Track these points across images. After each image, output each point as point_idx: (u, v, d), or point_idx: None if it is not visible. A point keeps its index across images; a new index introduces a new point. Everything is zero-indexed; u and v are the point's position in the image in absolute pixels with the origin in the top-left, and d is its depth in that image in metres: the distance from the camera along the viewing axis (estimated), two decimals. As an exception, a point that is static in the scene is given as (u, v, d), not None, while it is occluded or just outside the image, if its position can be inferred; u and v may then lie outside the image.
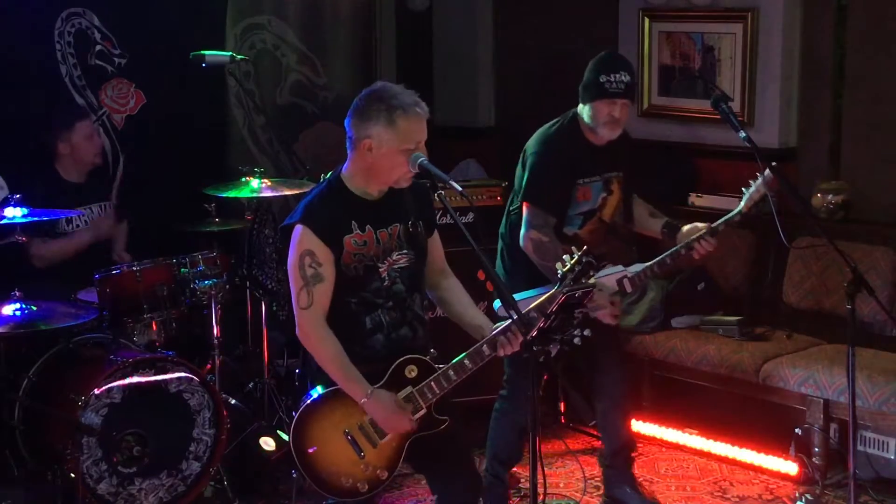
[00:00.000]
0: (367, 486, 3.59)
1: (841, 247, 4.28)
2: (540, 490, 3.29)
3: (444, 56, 7.62)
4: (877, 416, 4.94)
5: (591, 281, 3.49)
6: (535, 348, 3.25)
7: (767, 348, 5.44)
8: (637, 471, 5.01)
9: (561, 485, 5.21)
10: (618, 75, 4.46)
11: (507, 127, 7.31)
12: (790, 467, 5.18)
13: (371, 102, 3.50)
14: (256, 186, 5.33)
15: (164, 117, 5.99)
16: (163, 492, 4.72)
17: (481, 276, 5.11)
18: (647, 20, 6.49)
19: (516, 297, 4.21)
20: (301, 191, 5.39)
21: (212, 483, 4.91)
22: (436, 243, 3.76)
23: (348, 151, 3.59)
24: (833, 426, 5.13)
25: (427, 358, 3.61)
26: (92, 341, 4.92)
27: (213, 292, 5.04)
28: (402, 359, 3.58)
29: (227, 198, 5.35)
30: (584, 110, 4.56)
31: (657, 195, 5.63)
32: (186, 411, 4.76)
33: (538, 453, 3.26)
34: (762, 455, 5.29)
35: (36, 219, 4.60)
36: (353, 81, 6.48)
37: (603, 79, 4.46)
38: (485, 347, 3.53)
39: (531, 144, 4.64)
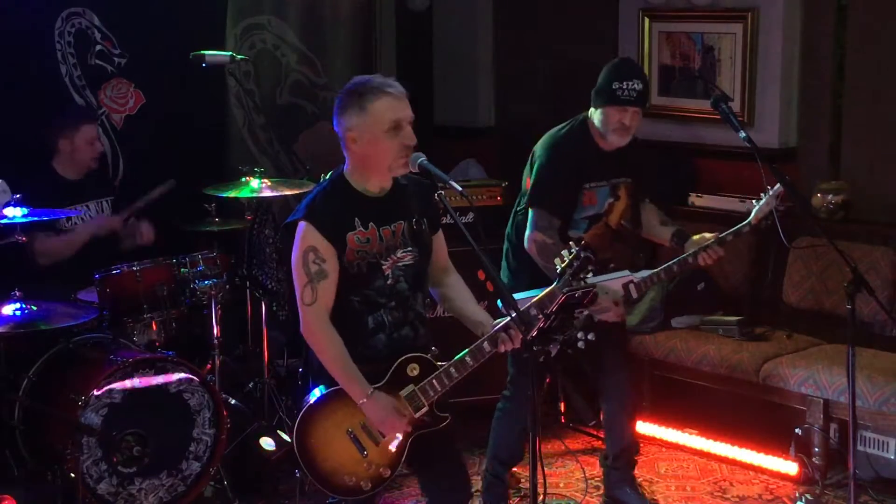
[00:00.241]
0: (370, 485, 3.60)
1: (841, 247, 4.28)
2: (540, 490, 3.29)
3: (444, 56, 7.62)
4: (877, 416, 4.94)
5: (593, 280, 3.49)
6: (535, 348, 3.25)
7: (767, 348, 5.44)
8: (637, 471, 5.01)
9: (561, 485, 5.21)
10: (631, 83, 4.46)
11: (507, 127, 7.31)
12: (790, 467, 5.18)
13: (344, 97, 3.53)
14: (256, 186, 5.33)
15: (163, 117, 5.99)
16: (163, 492, 4.72)
17: (481, 275, 5.11)
18: (647, 20, 6.49)
19: (517, 296, 4.20)
20: (301, 191, 5.40)
21: (212, 483, 4.91)
22: (440, 241, 3.76)
23: (343, 151, 3.60)
24: (833, 426, 5.13)
25: (429, 356, 3.61)
26: (92, 341, 4.93)
27: (213, 292, 5.04)
28: (403, 357, 3.58)
29: (227, 198, 5.35)
30: (594, 115, 4.56)
31: (657, 195, 5.64)
32: (186, 411, 4.76)
33: (538, 453, 3.26)
34: (762, 455, 5.29)
35: (36, 219, 4.60)
36: (354, 81, 6.47)
37: (615, 85, 4.46)
38: (486, 344, 3.54)
39: (539, 146, 4.64)
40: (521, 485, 5.09)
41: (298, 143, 6.52)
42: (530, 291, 4.39)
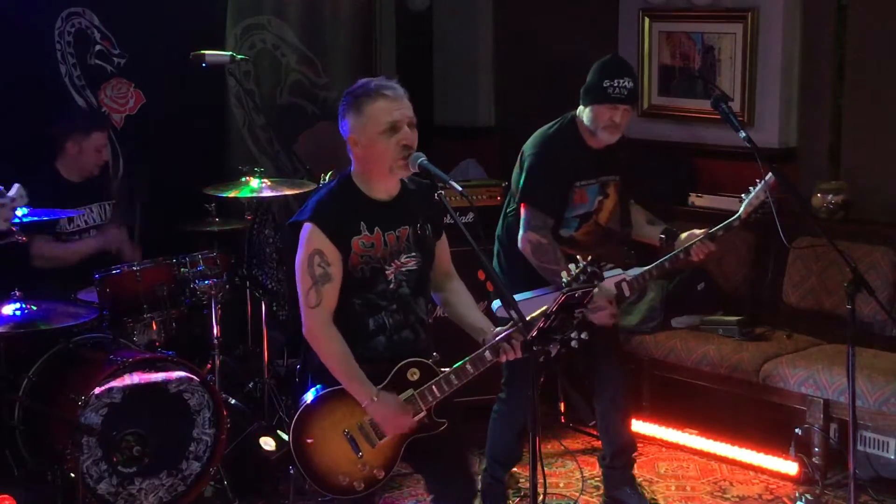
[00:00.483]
0: (363, 485, 3.60)
1: (841, 247, 4.28)
2: (540, 490, 3.29)
3: (444, 56, 7.62)
4: (877, 416, 4.94)
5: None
6: (534, 348, 3.25)
7: (767, 348, 5.44)
8: (637, 471, 5.01)
9: (561, 485, 5.21)
10: (621, 80, 4.44)
11: (507, 127, 7.31)
12: (790, 467, 5.18)
13: (345, 101, 3.57)
14: (256, 186, 5.33)
15: (163, 117, 5.98)
16: (163, 492, 4.72)
17: (481, 276, 5.11)
18: (647, 20, 6.49)
19: (516, 297, 4.21)
20: (301, 191, 5.40)
21: (212, 483, 4.91)
22: (443, 246, 3.76)
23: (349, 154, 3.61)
24: (833, 426, 5.13)
25: (429, 361, 3.61)
26: (92, 341, 4.92)
27: (213, 292, 5.04)
28: (404, 361, 3.58)
29: (227, 198, 5.35)
30: (584, 113, 4.55)
31: (657, 195, 5.65)
32: (186, 411, 4.76)
33: (538, 453, 3.26)
34: (762, 455, 5.29)
35: (36, 219, 4.60)
36: (353, 81, 6.39)
37: (606, 83, 4.44)
38: (487, 353, 3.53)
39: (529, 146, 4.63)
40: (520, 485, 5.09)
41: (298, 143, 6.52)
42: (527, 293, 4.41)
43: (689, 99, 6.36)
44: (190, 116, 6.05)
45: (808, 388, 5.10)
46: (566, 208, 4.59)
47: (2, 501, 4.32)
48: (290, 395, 5.35)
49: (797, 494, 5.00)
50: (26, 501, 4.45)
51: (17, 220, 4.43)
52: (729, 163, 6.05)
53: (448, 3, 7.52)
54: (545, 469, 3.37)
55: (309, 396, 3.60)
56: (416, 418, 3.56)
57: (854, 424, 4.20)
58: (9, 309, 4.56)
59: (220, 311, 5.11)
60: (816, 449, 5.09)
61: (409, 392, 3.56)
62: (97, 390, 4.51)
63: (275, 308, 5.48)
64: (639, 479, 5.03)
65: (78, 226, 5.37)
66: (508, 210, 4.71)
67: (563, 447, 5.51)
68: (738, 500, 5.05)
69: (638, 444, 5.31)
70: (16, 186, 4.11)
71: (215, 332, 5.11)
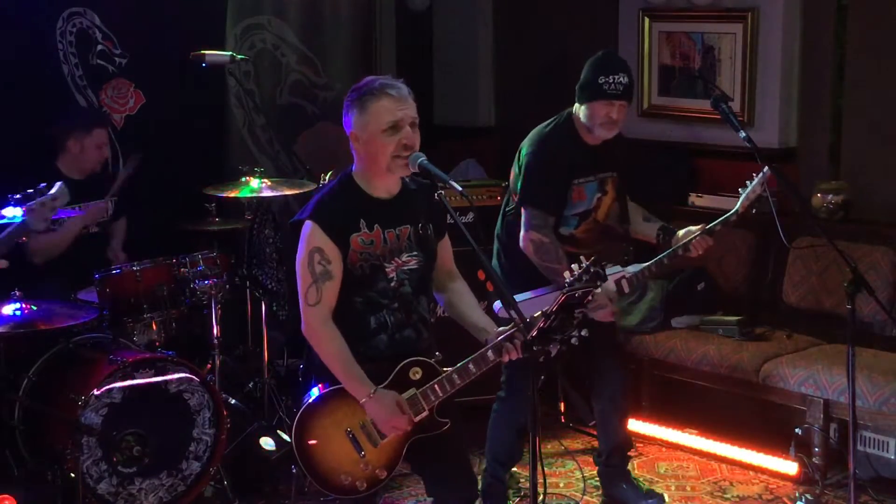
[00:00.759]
0: (365, 485, 3.60)
1: (841, 247, 4.28)
2: (540, 490, 3.29)
3: (444, 56, 7.62)
4: (877, 416, 4.94)
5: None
6: (535, 348, 3.25)
7: (767, 348, 5.44)
8: (637, 471, 5.02)
9: (561, 485, 5.21)
10: (617, 76, 4.44)
11: (507, 127, 7.31)
12: (790, 467, 5.18)
13: (350, 97, 3.59)
14: (256, 186, 5.33)
15: (164, 117, 5.99)
16: (163, 492, 4.72)
17: (481, 276, 5.10)
18: (647, 20, 6.49)
19: (516, 297, 4.21)
20: (301, 191, 5.40)
21: (212, 483, 4.91)
22: (445, 246, 3.77)
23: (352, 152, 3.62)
24: (833, 426, 5.13)
25: (432, 361, 3.61)
26: (92, 341, 4.93)
27: (213, 292, 5.04)
28: (407, 360, 3.58)
29: (227, 198, 5.35)
30: (580, 110, 4.55)
31: (657, 195, 5.64)
32: (186, 411, 4.76)
33: (538, 453, 3.26)
34: (762, 455, 5.29)
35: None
36: (353, 81, 6.37)
37: (602, 80, 4.44)
38: (489, 353, 3.53)
39: (526, 144, 4.63)
40: (520, 485, 5.09)
41: (298, 143, 6.52)
42: (529, 293, 4.41)
43: (689, 99, 6.36)
44: (190, 116, 6.06)
45: (808, 388, 5.10)
46: (565, 206, 4.59)
47: (2, 501, 4.32)
48: (290, 395, 5.35)
49: (797, 494, 5.00)
50: (26, 501, 4.45)
51: (17, 221, 4.44)
52: (729, 163, 6.04)
53: (448, 3, 7.52)
54: (545, 469, 3.36)
55: (310, 396, 3.61)
56: (418, 418, 3.56)
57: (854, 424, 4.20)
58: (9, 309, 4.57)
59: (220, 311, 5.11)
60: (816, 449, 5.09)
61: (412, 391, 3.56)
62: (97, 390, 4.51)
63: (275, 308, 5.48)
64: (639, 480, 5.03)
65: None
66: (507, 209, 4.71)
67: (563, 447, 5.51)
68: (738, 500, 5.05)
69: (638, 444, 5.33)
70: (58, 185, 4.08)
71: (215, 332, 5.12)
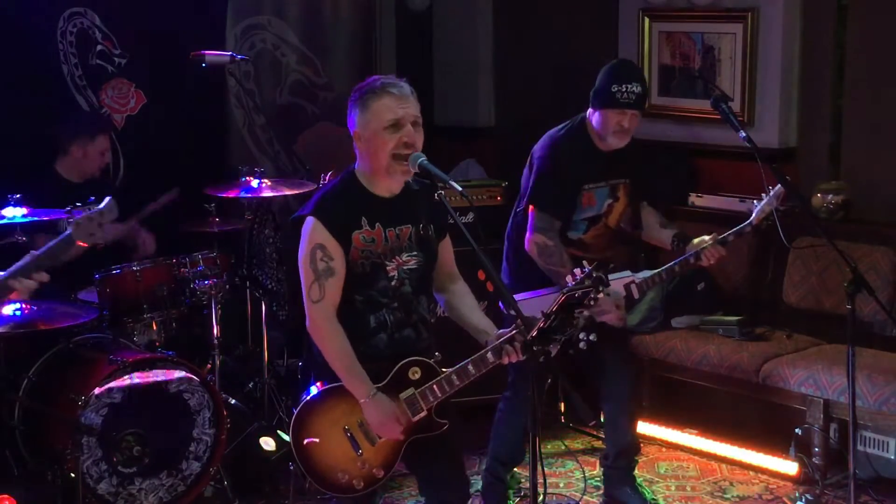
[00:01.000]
0: (362, 484, 3.60)
1: (841, 247, 4.28)
2: (540, 490, 3.29)
3: (444, 56, 7.62)
4: (877, 416, 4.94)
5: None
6: (534, 349, 3.25)
7: (767, 348, 5.44)
8: (637, 471, 5.01)
9: (561, 485, 5.21)
10: (630, 86, 4.44)
11: (507, 127, 7.31)
12: (790, 467, 5.18)
13: (353, 96, 3.61)
14: (256, 186, 5.33)
15: (164, 117, 5.99)
16: (163, 492, 4.72)
17: (481, 276, 5.11)
18: (647, 20, 6.49)
19: (517, 297, 4.21)
20: (301, 191, 5.40)
21: (212, 483, 4.91)
22: (446, 247, 3.77)
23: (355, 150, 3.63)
24: (833, 426, 5.13)
25: (431, 361, 3.61)
26: (92, 341, 4.93)
27: (213, 292, 5.04)
28: (406, 360, 3.58)
29: (227, 198, 5.35)
30: (593, 116, 4.55)
31: (655, 197, 5.64)
32: (186, 411, 4.76)
33: (538, 453, 3.26)
34: (762, 455, 5.29)
35: (36, 219, 4.60)
36: (353, 81, 6.39)
37: (615, 88, 4.44)
38: (489, 355, 3.53)
39: (538, 148, 4.64)
40: (521, 484, 5.09)
41: (298, 143, 6.52)
42: (529, 293, 4.41)
43: (689, 99, 6.36)
44: (190, 116, 6.06)
45: (808, 388, 5.10)
46: (574, 211, 4.59)
47: (2, 501, 4.32)
48: (290, 395, 5.35)
49: (797, 494, 5.00)
50: (26, 501, 4.45)
51: (17, 221, 4.43)
52: (729, 163, 6.04)
53: (448, 3, 7.52)
54: (545, 469, 3.36)
55: (309, 393, 3.61)
56: (417, 418, 3.56)
57: (854, 424, 4.21)
58: (9, 309, 4.56)
59: (220, 311, 5.11)
60: (816, 449, 5.09)
61: (410, 391, 3.56)
62: (97, 390, 4.52)
63: (275, 308, 5.48)
64: (639, 479, 5.03)
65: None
66: (518, 210, 4.72)
67: (564, 447, 5.51)
68: (738, 500, 5.05)
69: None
70: (107, 199, 4.02)
71: (215, 332, 5.12)
